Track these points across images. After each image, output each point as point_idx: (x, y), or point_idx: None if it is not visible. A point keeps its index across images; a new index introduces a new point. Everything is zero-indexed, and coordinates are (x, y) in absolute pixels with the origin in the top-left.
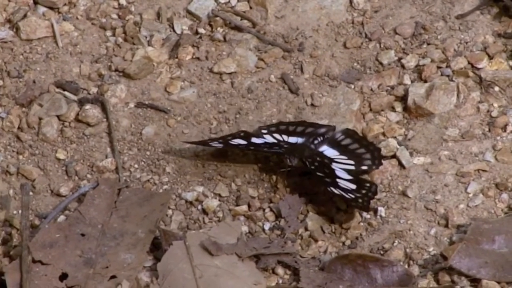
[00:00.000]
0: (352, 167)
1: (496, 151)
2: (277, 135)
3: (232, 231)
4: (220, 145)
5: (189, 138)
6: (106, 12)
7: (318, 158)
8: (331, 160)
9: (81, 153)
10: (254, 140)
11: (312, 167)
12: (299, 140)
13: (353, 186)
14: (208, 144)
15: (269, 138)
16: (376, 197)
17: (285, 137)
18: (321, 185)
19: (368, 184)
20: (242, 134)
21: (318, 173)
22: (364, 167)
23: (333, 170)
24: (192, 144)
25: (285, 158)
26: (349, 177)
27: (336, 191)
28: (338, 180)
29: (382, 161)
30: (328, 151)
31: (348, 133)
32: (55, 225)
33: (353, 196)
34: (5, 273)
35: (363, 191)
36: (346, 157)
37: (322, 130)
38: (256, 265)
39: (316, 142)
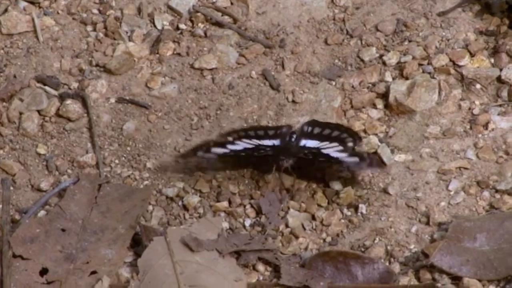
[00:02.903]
0: (340, 147)
1: (478, 149)
2: (247, 140)
3: (213, 227)
4: (213, 156)
5: (170, 134)
6: (87, 7)
7: (306, 151)
8: (318, 149)
9: (62, 148)
10: (231, 147)
11: (310, 157)
12: (275, 142)
13: (356, 159)
14: (196, 154)
15: (242, 144)
16: (357, 194)
17: (256, 141)
18: (334, 166)
19: (364, 155)
20: (211, 143)
21: (321, 159)
22: (350, 144)
23: (327, 154)
24: (183, 155)
25: (281, 160)
26: (345, 154)
27: (349, 161)
28: (340, 158)
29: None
30: (309, 142)
31: (313, 123)
32: (36, 220)
33: (364, 164)
34: None
35: (367, 160)
36: (328, 142)
37: (284, 129)
38: (236, 262)
39: (293, 140)
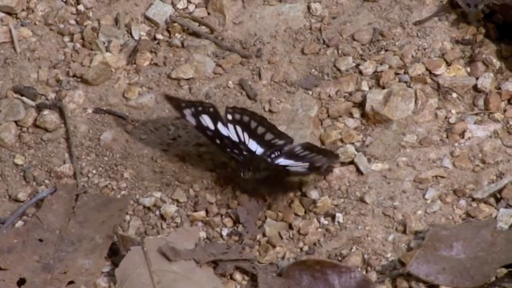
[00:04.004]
0: (306, 169)
1: (454, 158)
2: (239, 129)
3: (190, 236)
4: (193, 120)
5: (147, 144)
6: (64, 18)
7: (272, 167)
8: (286, 166)
9: (39, 159)
10: (220, 127)
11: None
12: (258, 149)
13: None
14: (182, 110)
15: (231, 131)
16: (334, 203)
17: (246, 137)
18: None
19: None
20: (211, 109)
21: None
22: (318, 164)
23: (288, 170)
24: (168, 101)
25: (239, 171)
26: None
27: (296, 169)
28: (293, 169)
29: (335, 161)
30: (284, 162)
31: (307, 146)
32: (13, 231)
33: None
34: None
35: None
36: (301, 162)
37: (281, 142)
38: (214, 271)
39: (273, 156)
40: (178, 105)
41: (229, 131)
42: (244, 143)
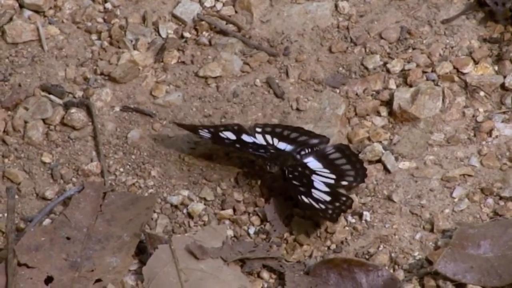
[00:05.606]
0: (332, 181)
1: (482, 156)
2: (269, 137)
3: (218, 235)
4: (208, 136)
5: (175, 142)
6: (91, 16)
7: (299, 169)
8: (313, 172)
9: (67, 157)
10: (244, 137)
11: (290, 176)
12: (288, 147)
13: (328, 198)
14: (197, 131)
15: (259, 139)
16: (362, 201)
17: (275, 141)
18: (292, 192)
19: (344, 198)
20: (235, 127)
21: (294, 182)
22: (345, 183)
23: (311, 181)
24: (182, 128)
25: (266, 165)
26: (326, 189)
27: (306, 200)
28: (313, 190)
29: (365, 180)
30: (313, 163)
31: (340, 148)
32: (41, 229)
33: (323, 207)
34: None
35: (337, 204)
36: (329, 171)
37: (315, 141)
38: (241, 269)
39: (303, 153)
40: (195, 130)
41: (255, 139)
42: (272, 144)
